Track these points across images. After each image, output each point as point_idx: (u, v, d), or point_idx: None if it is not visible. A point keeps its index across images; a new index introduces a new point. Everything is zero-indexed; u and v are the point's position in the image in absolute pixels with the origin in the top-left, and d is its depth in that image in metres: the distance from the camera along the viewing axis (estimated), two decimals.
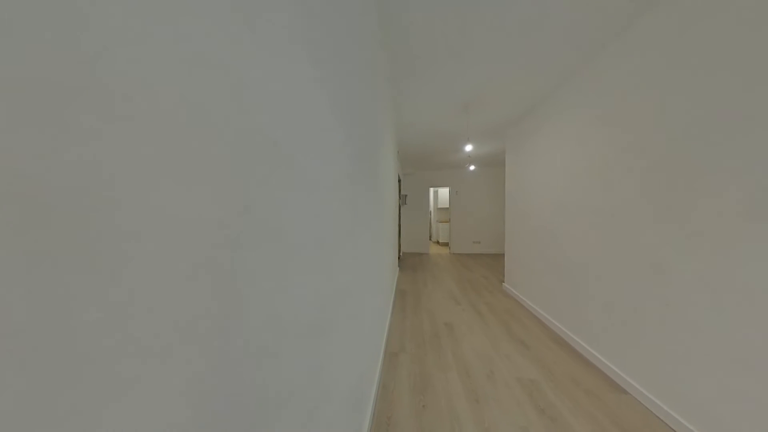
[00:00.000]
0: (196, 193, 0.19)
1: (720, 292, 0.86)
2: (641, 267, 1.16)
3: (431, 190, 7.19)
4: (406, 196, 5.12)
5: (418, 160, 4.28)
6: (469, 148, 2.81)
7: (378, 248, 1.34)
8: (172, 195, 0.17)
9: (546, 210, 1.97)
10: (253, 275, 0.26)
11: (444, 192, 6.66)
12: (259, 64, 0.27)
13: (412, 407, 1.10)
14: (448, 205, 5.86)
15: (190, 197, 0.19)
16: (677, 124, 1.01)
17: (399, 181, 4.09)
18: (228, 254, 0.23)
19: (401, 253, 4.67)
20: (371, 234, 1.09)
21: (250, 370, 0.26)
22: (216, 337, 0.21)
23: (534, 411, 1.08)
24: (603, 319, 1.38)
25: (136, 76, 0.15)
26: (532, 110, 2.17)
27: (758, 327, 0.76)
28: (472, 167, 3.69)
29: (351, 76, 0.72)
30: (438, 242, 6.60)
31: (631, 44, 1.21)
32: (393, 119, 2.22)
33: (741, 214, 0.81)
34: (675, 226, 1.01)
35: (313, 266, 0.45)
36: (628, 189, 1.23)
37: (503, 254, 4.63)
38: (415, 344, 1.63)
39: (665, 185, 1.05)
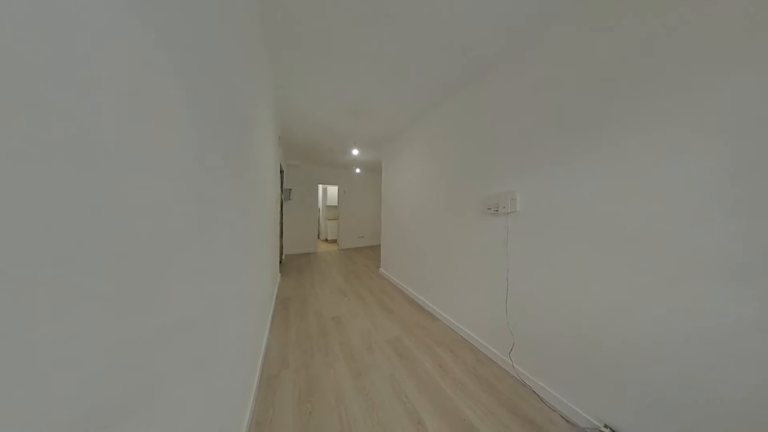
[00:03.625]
0: None
1: (471, 252, 1.71)
2: (443, 243, 1.98)
3: (320, 186, 7.01)
4: (290, 190, 4.52)
5: (307, 152, 3.97)
6: (356, 152, 3.10)
7: (250, 253, 1.07)
8: None
9: (405, 210, 2.71)
10: None
11: (333, 190, 6.79)
12: None
13: (297, 421, 1.02)
14: (336, 203, 6.03)
15: None
16: (456, 163, 1.85)
17: (282, 172, 3.52)
18: None
19: (283, 257, 4.07)
20: (237, 235, 0.85)
21: None
22: None
23: (397, 358, 1.46)
24: (431, 280, 2.17)
25: None
26: (400, 134, 2.88)
27: (486, 271, 1.62)
28: (358, 170, 4.12)
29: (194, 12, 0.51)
30: (327, 240, 6.61)
31: (446, 109, 2.01)
32: (273, 95, 1.86)
33: (478, 211, 1.65)
34: (457, 218, 1.84)
35: (103, 296, 0.26)
36: (440, 198, 2.04)
37: (380, 245, 5.68)
38: (300, 351, 1.51)
39: (453, 196, 1.88)
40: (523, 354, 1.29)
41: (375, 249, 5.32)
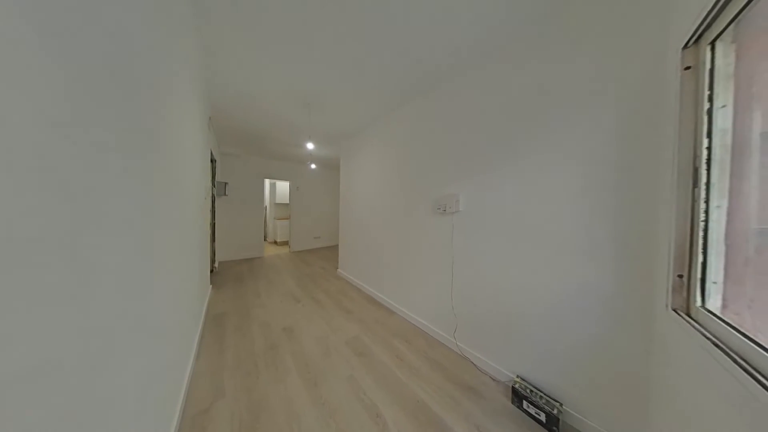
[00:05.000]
0: None
1: (423, 247, 1.87)
2: (399, 240, 2.10)
3: (267, 182, 6.17)
4: (226, 184, 3.78)
5: (250, 141, 3.42)
6: (311, 146, 2.87)
7: (161, 265, 0.84)
8: None
9: (364, 209, 2.72)
10: None
11: (284, 186, 6.06)
12: None
13: None
14: (288, 201, 5.43)
15: None
16: (412, 166, 2.00)
17: (213, 161, 2.90)
18: None
19: (216, 264, 3.38)
20: (138, 241, 0.66)
21: None
22: None
23: (356, 358, 1.46)
24: (388, 276, 2.27)
25: None
26: (359, 132, 2.85)
27: (436, 264, 1.79)
28: (313, 166, 3.83)
29: None
30: (276, 242, 5.88)
31: (403, 114, 2.12)
32: (200, 65, 1.51)
33: (429, 210, 1.83)
34: (412, 217, 1.99)
35: None
36: (398, 198, 2.15)
37: (338, 245, 5.49)
38: (242, 374, 1.30)
39: (409, 196, 2.01)
40: (463, 332, 1.52)
41: (333, 249, 5.11)
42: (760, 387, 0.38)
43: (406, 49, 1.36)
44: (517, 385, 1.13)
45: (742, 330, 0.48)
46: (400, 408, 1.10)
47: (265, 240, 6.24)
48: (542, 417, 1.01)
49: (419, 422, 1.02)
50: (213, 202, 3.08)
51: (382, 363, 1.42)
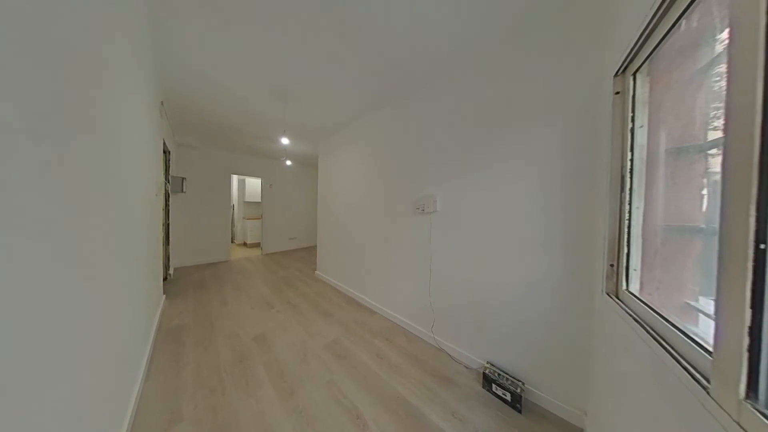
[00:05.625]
0: None
1: (403, 246, 1.91)
2: (380, 240, 2.12)
3: (235, 178, 5.63)
4: (183, 179, 3.34)
5: (214, 133, 3.07)
6: (286, 141, 2.71)
7: (95, 274, 0.72)
8: None
9: (344, 208, 2.66)
10: None
11: (255, 183, 5.59)
12: None
13: None
14: (259, 199, 5.03)
15: None
16: (393, 167, 2.02)
17: (166, 153, 2.54)
18: None
19: (170, 272, 2.98)
20: (60, 246, 0.56)
21: None
22: None
23: (336, 361, 1.43)
24: (369, 276, 2.26)
25: None
26: (339, 129, 2.78)
27: (415, 262, 1.84)
28: (288, 162, 3.62)
29: None
30: (246, 244, 5.41)
31: (384, 114, 2.13)
32: (149, 38, 1.31)
33: (409, 210, 1.87)
34: (393, 217, 2.01)
35: None
36: (379, 198, 2.16)
37: (316, 246, 5.26)
38: (205, 392, 1.17)
39: (390, 196, 2.04)
40: (440, 326, 1.60)
41: (310, 251, 4.90)
42: (665, 351, 0.48)
43: (382, 53, 1.38)
44: (487, 371, 1.23)
45: (653, 306, 0.60)
46: (380, 406, 1.11)
47: (232, 242, 5.70)
48: (508, 396, 1.12)
49: (399, 417, 1.05)
50: (167, 199, 2.69)
51: (362, 363, 1.41)
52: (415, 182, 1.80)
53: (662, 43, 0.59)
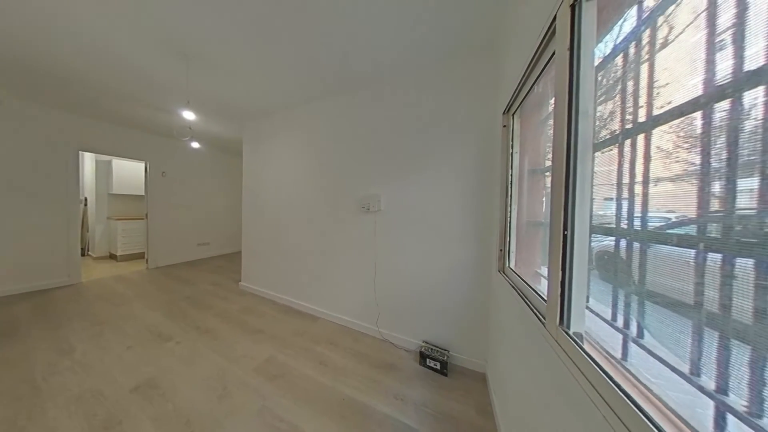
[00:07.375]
0: None
1: (348, 245, 1.88)
2: (324, 240, 2.00)
3: (89, 157, 3.78)
4: None
5: (47, 82, 1.93)
6: (190, 115, 2.05)
7: None
8: None
9: (278, 205, 2.33)
10: None
11: (133, 168, 3.90)
12: None
13: None
14: (142, 192, 3.54)
15: None
16: (337, 164, 1.95)
17: None
18: None
19: None
20: None
21: None
22: None
23: (268, 384, 1.24)
24: (310, 280, 2.09)
25: None
26: (272, 114, 2.38)
27: (360, 260, 1.84)
28: (196, 144, 2.77)
29: None
30: (114, 256, 3.73)
31: (328, 107, 2.00)
32: None
33: (354, 209, 1.87)
34: (337, 215, 1.94)
35: None
36: (321, 196, 2.03)
37: (240, 252, 4.30)
38: None
39: (334, 195, 1.96)
40: (384, 319, 1.70)
41: (230, 258, 3.97)
42: (525, 303, 0.71)
43: (330, 44, 1.31)
44: (422, 349, 1.42)
45: (519, 275, 0.89)
46: (325, 416, 1.06)
47: (85, 254, 3.80)
48: (438, 366, 1.33)
49: (345, 419, 1.04)
50: None
51: (303, 377, 1.29)
52: (360, 181, 1.81)
53: (527, 96, 0.87)
